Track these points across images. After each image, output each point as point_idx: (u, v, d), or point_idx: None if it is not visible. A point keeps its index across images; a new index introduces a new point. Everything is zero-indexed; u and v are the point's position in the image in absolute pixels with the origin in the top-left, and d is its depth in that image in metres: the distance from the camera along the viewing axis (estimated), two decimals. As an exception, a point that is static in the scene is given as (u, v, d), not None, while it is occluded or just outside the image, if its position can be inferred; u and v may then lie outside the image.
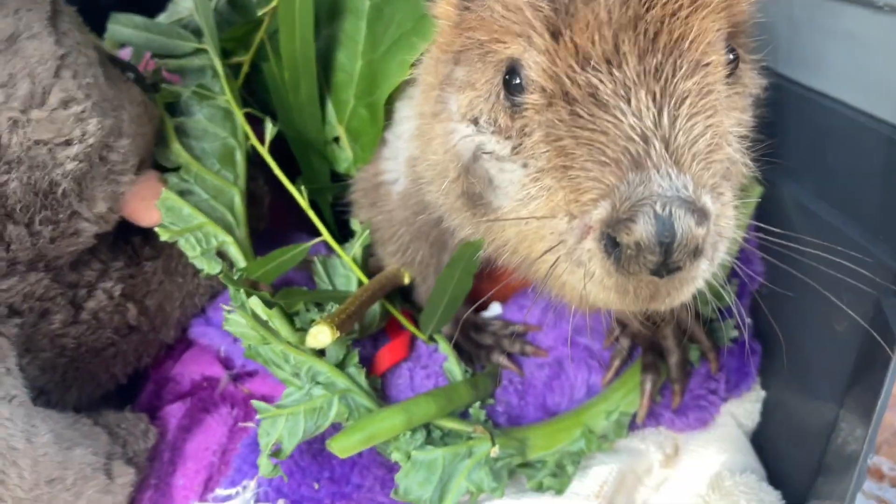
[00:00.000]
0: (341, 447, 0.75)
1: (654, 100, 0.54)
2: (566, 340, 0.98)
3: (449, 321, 0.94)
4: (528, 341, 0.98)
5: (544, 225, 0.57)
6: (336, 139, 0.98)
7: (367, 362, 0.90)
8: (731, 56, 0.61)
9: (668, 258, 0.50)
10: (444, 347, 0.94)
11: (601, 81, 0.55)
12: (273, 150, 0.95)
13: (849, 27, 0.81)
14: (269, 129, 0.94)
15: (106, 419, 0.86)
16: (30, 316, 0.79)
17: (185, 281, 0.94)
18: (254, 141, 0.96)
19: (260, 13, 0.93)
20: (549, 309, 1.01)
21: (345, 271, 0.95)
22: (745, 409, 0.96)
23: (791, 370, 0.93)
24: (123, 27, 1.06)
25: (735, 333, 0.94)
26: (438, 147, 0.68)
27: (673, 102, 0.54)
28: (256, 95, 1.07)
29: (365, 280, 0.94)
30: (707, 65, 0.57)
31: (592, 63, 0.55)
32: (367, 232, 0.95)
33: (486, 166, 0.63)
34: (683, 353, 0.92)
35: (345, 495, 0.82)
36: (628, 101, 0.54)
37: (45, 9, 0.75)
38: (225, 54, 1.02)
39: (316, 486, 0.82)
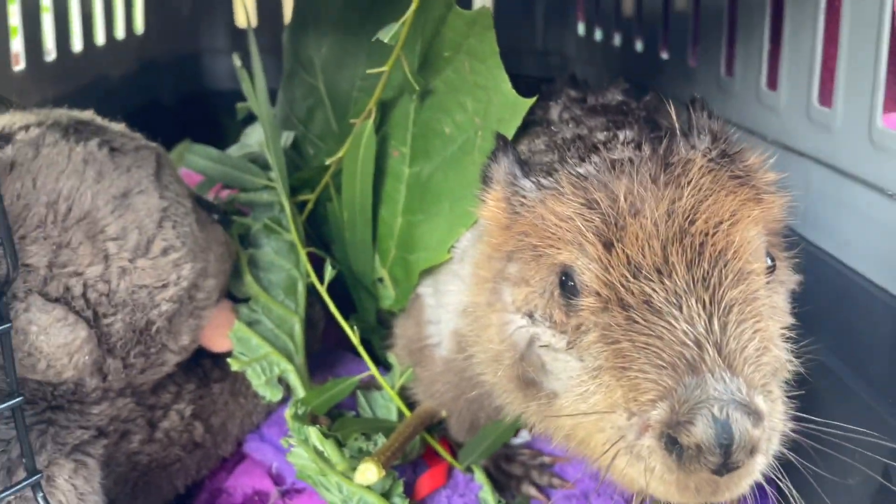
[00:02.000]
0: None
1: (703, 307, 0.59)
2: (592, 473, 1.04)
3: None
4: (555, 473, 1.04)
5: (603, 419, 0.61)
6: (380, 279, 1.07)
7: (407, 487, 0.97)
8: (770, 261, 0.68)
9: (727, 459, 0.54)
10: (480, 477, 1.00)
11: (654, 290, 0.60)
12: (329, 286, 1.04)
13: (862, 206, 0.89)
14: (329, 271, 1.03)
15: (165, 531, 0.93)
16: (113, 436, 0.87)
17: (247, 401, 1.02)
18: (314, 280, 1.05)
19: (328, 161, 1.03)
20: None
21: (384, 402, 1.03)
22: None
23: None
24: (200, 158, 1.17)
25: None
26: (494, 335, 0.73)
27: (721, 310, 0.59)
28: (318, 230, 1.17)
29: (406, 411, 1.02)
30: (750, 272, 0.63)
31: (644, 273, 0.61)
32: (409, 371, 1.03)
33: (540, 354, 0.68)
34: None
35: None
36: (680, 309, 0.59)
37: (152, 165, 0.85)
38: (292, 192, 1.12)
39: None
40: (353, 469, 0.89)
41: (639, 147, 0.71)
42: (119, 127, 0.88)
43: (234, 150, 1.24)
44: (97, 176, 0.78)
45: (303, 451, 0.83)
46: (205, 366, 1.00)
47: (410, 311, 1.02)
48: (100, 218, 0.77)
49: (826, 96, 0.95)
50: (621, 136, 0.81)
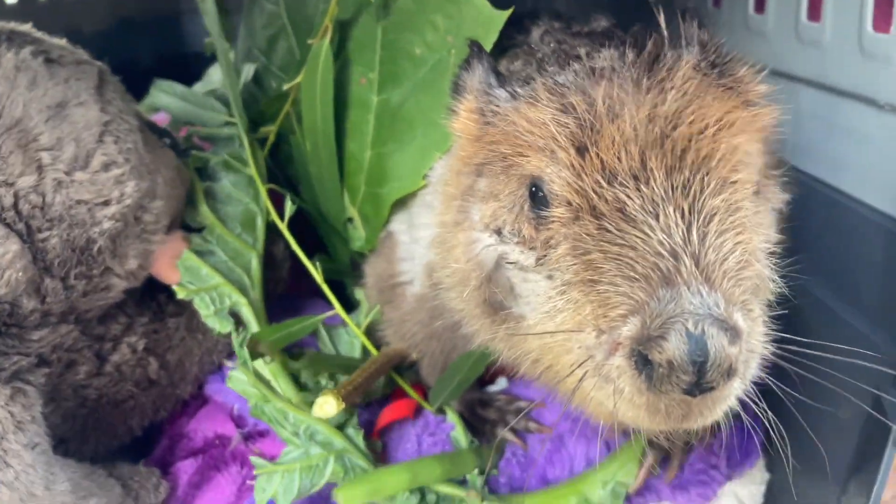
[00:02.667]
0: (347, 495, 0.77)
1: (682, 216, 0.55)
2: (568, 416, 1.00)
3: (458, 397, 0.96)
4: (532, 418, 1.00)
5: (571, 338, 0.57)
6: (350, 219, 1.02)
7: (367, 427, 0.93)
8: (756, 173, 0.63)
9: (700, 378, 0.50)
10: (452, 417, 0.96)
11: (628, 197, 0.56)
12: (298, 224, 1.00)
13: (854, 124, 0.85)
14: (289, 206, 0.98)
15: (120, 471, 0.89)
16: (57, 366, 0.83)
17: (206, 338, 0.98)
18: (274, 216, 1.00)
19: (286, 86, 0.98)
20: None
21: (349, 338, 0.98)
22: (749, 490, 0.96)
23: (796, 454, 0.94)
24: (164, 94, 1.13)
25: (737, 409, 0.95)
26: (460, 255, 0.68)
27: (702, 219, 0.55)
28: (283, 169, 1.12)
29: (372, 348, 0.97)
30: (734, 182, 0.58)
31: (619, 179, 0.56)
32: (377, 308, 0.98)
33: (508, 275, 0.64)
34: (688, 434, 0.93)
35: (347, 558, 0.83)
36: (656, 217, 0.55)
37: (93, 79, 0.80)
38: (253, 126, 1.08)
39: (318, 546, 0.83)
40: (310, 403, 0.85)
41: (622, 56, 0.65)
42: (60, 41, 0.83)
43: (198, 87, 1.19)
44: (30, 84, 0.73)
45: (242, 374, 0.79)
46: (159, 299, 0.96)
47: (381, 249, 0.98)
48: (32, 127, 0.72)
49: (815, 10, 0.90)
50: (604, 51, 0.77)
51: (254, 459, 0.78)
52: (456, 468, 0.88)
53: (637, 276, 0.53)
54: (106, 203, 0.77)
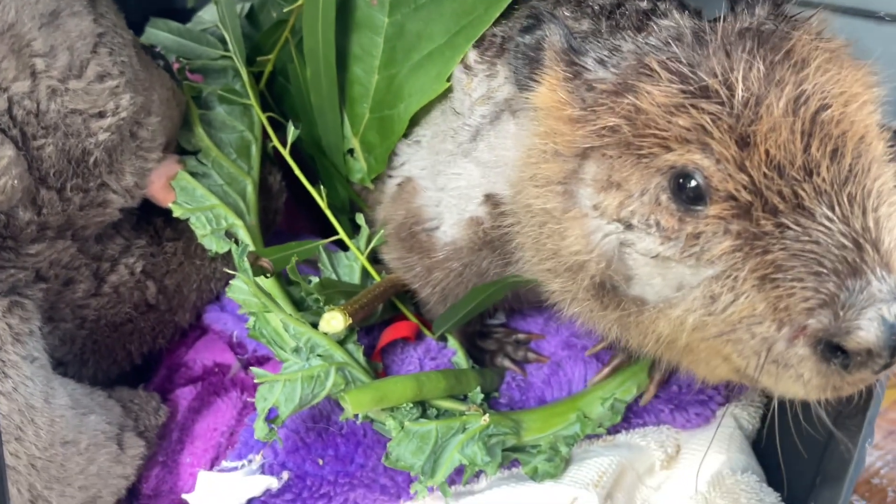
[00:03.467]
0: (354, 400, 0.77)
1: (856, 203, 0.54)
2: (565, 345, 1.00)
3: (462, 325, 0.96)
4: (530, 349, 1.01)
5: (738, 329, 0.57)
6: (351, 151, 1.01)
7: (368, 351, 0.93)
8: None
9: (893, 358, 0.51)
10: (454, 343, 0.96)
11: (804, 191, 0.54)
12: (294, 158, 0.99)
13: (852, 38, 0.84)
14: (291, 132, 0.97)
15: (120, 394, 0.89)
16: (55, 283, 0.82)
17: (204, 265, 0.97)
18: (275, 141, 0.99)
19: (286, 10, 0.97)
20: (551, 318, 1.04)
21: (349, 262, 0.98)
22: (747, 412, 0.97)
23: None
24: (160, 31, 1.11)
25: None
26: (576, 245, 0.65)
27: (871, 203, 0.55)
28: (279, 105, 1.11)
29: (374, 273, 0.97)
30: (883, 158, 0.58)
31: (790, 172, 0.55)
32: (381, 233, 0.97)
33: (629, 262, 0.62)
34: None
35: (348, 473, 0.83)
36: (832, 209, 0.54)
37: (86, -9, 0.79)
38: (249, 62, 1.06)
39: (320, 462, 0.83)
40: (311, 323, 0.85)
41: (698, 15, 0.64)
42: (52, -44, 0.82)
43: (190, 27, 1.18)
44: (22, -10, 0.72)
45: (242, 283, 0.78)
46: (156, 224, 0.96)
47: (400, 195, 0.95)
48: (25, 32, 0.72)
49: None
50: (662, 5, 0.73)
51: (255, 370, 0.78)
52: (459, 384, 0.88)
53: (825, 271, 0.53)
54: (101, 114, 0.76)
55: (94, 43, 0.76)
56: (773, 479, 0.93)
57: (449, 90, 0.87)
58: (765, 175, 0.55)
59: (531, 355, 0.99)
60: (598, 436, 0.90)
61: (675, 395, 0.94)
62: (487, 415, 0.81)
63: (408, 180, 0.93)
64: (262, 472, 0.82)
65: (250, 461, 0.83)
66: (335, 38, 0.94)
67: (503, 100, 0.80)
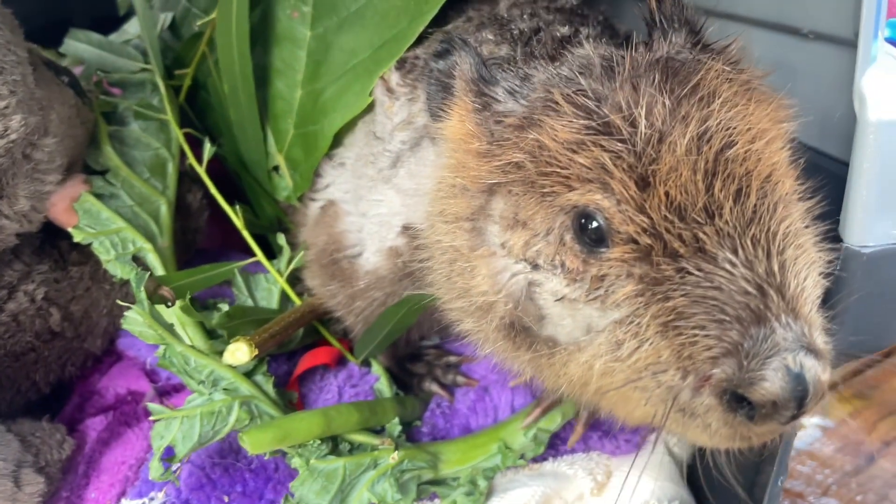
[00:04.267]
0: (253, 441, 0.73)
1: (759, 247, 0.52)
2: (496, 369, 0.97)
3: (384, 350, 0.93)
4: (460, 372, 0.98)
5: (644, 377, 0.54)
6: (276, 168, 0.98)
7: (286, 377, 0.89)
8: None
9: (799, 410, 0.49)
10: (377, 369, 0.93)
11: (706, 234, 0.52)
12: (216, 181, 0.95)
13: (777, 55, 0.82)
14: (207, 149, 0.94)
15: (20, 427, 0.84)
16: (-56, 313, 0.78)
17: (114, 289, 0.93)
18: (191, 159, 0.96)
19: (200, 23, 0.93)
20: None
21: (267, 285, 0.95)
22: (679, 439, 0.94)
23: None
24: (78, 42, 1.08)
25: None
26: (484, 285, 0.62)
27: (776, 246, 0.53)
28: (201, 120, 1.07)
29: (294, 297, 0.94)
30: (790, 196, 0.56)
31: (691, 215, 0.53)
32: (301, 255, 0.94)
33: (539, 302, 0.59)
34: None
35: (257, 510, 0.80)
36: (735, 252, 0.52)
37: (-24, 8, 0.75)
38: (169, 75, 1.03)
39: (226, 499, 0.80)
40: (220, 352, 0.81)
41: (626, 41, 0.61)
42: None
43: (114, 38, 1.14)
44: None
45: (137, 314, 0.74)
46: (61, 247, 0.91)
47: (322, 219, 0.92)
48: None
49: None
50: (584, 31, 0.71)
51: (150, 406, 0.74)
52: (375, 417, 0.85)
53: (727, 318, 0.50)
54: (-12, 137, 0.72)
55: (-20, 61, 0.72)
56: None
57: (372, 112, 0.85)
58: (665, 218, 0.53)
59: (461, 379, 0.97)
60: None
61: (604, 421, 0.92)
62: (397, 452, 0.78)
63: (331, 203, 0.90)
64: (165, 511, 0.79)
65: (152, 499, 0.79)
66: (257, 52, 0.91)
67: (423, 125, 0.77)
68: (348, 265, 0.87)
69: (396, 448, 0.79)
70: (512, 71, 0.64)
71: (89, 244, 0.87)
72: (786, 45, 0.80)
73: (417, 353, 1.01)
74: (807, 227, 0.57)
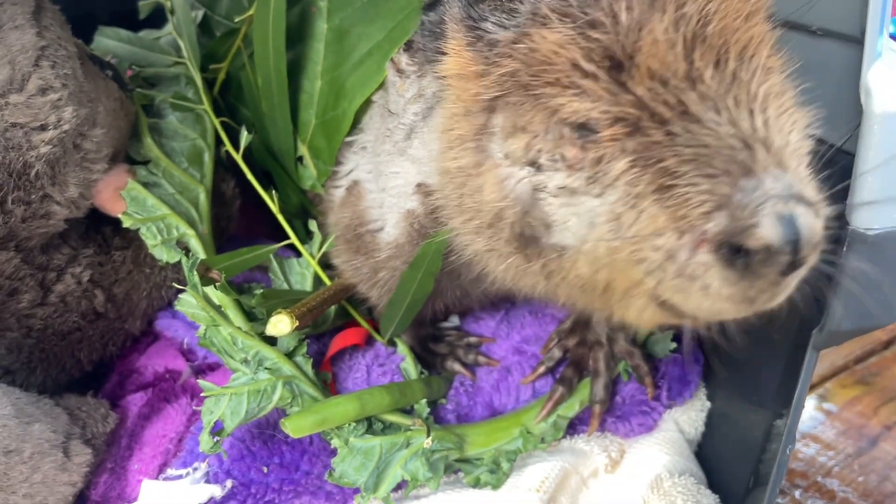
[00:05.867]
0: (295, 426, 0.77)
1: (742, 106, 0.55)
2: (516, 350, 1.02)
3: (409, 326, 0.97)
4: (481, 352, 1.02)
5: (643, 247, 0.56)
6: (300, 158, 1.02)
7: (318, 358, 0.94)
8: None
9: (796, 256, 0.51)
10: (402, 349, 0.97)
11: (689, 98, 0.55)
12: (248, 166, 1.00)
13: (789, 51, 0.85)
14: (245, 137, 0.98)
15: (67, 401, 0.89)
16: (-1, 294, 0.83)
17: (153, 273, 0.98)
18: (228, 147, 1.00)
19: (237, 19, 0.97)
20: (503, 321, 1.06)
21: (301, 269, 0.99)
22: (688, 416, 0.99)
23: (735, 382, 0.96)
24: (109, 39, 1.12)
25: (674, 345, 0.97)
26: (490, 195, 0.66)
27: (758, 106, 0.55)
28: (232, 114, 1.12)
29: (325, 278, 0.98)
30: (772, 65, 0.58)
31: (673, 83, 0.55)
32: (332, 239, 0.98)
33: (544, 207, 0.62)
34: (611, 375, 0.96)
35: (293, 481, 0.85)
36: (718, 112, 0.54)
37: (30, 4, 0.79)
38: (201, 70, 1.07)
39: (265, 470, 0.84)
40: (260, 333, 0.85)
41: None
42: (-4, -33, 0.82)
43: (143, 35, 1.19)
44: (-38, 5, 0.73)
45: (191, 297, 0.79)
46: (105, 233, 0.96)
47: (347, 199, 0.96)
48: (-35, 47, 0.72)
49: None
50: None
51: (202, 383, 0.78)
52: (404, 398, 0.89)
53: (717, 172, 0.53)
54: (43, 128, 0.76)
55: (36, 56, 0.77)
56: (715, 482, 0.95)
57: (386, 91, 0.89)
58: (649, 89, 0.56)
59: (482, 359, 1.01)
60: (541, 440, 0.93)
61: (618, 406, 0.97)
62: (430, 436, 0.83)
63: (354, 184, 0.95)
64: (207, 481, 0.83)
65: (195, 469, 0.84)
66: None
67: (432, 94, 0.81)
68: (371, 239, 0.91)
69: (429, 432, 0.83)
70: (498, 9, 0.66)
71: (132, 230, 0.92)
72: (797, 42, 0.83)
73: (438, 334, 1.06)
74: (786, 90, 0.59)
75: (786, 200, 0.51)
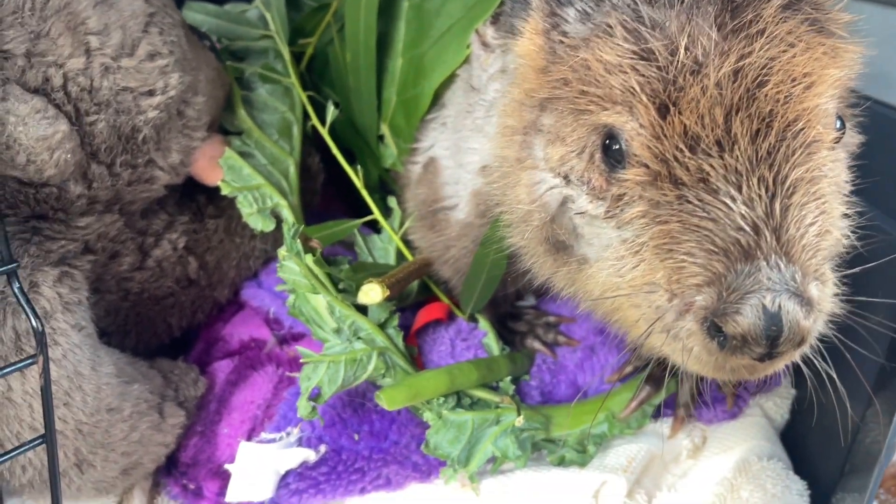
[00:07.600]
0: (389, 398, 0.78)
1: (766, 188, 0.53)
2: (597, 330, 1.01)
3: (488, 301, 0.97)
4: (560, 331, 1.02)
5: (640, 296, 0.57)
6: (381, 137, 1.03)
7: (403, 332, 0.94)
8: (839, 124, 0.59)
9: (772, 349, 0.51)
10: (484, 324, 0.97)
11: (711, 167, 0.54)
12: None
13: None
14: (331, 111, 0.99)
15: (160, 364, 0.91)
16: (101, 255, 0.84)
17: (243, 242, 1.00)
18: (314, 120, 1.01)
19: (329, -4, 0.98)
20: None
21: (383, 244, 1.00)
22: (773, 402, 0.98)
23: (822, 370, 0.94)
24: (196, 13, 1.13)
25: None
26: (523, 194, 0.66)
27: (785, 190, 0.53)
28: (318, 89, 1.12)
29: (407, 253, 0.99)
30: (818, 143, 0.55)
31: (702, 146, 0.54)
32: (413, 215, 0.99)
33: (572, 218, 0.62)
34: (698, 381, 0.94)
35: (382, 449, 0.85)
36: (739, 189, 0.53)
37: (138, -28, 0.81)
38: (290, 43, 1.08)
39: (356, 437, 0.85)
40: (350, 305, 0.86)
41: None
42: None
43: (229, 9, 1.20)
44: (78, -30, 0.74)
45: (294, 263, 0.80)
46: (199, 201, 0.98)
47: (424, 176, 0.96)
48: (80, 10, 0.73)
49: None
50: None
51: (301, 349, 0.80)
52: (491, 373, 0.90)
53: (716, 250, 0.52)
54: (151, 92, 0.78)
55: (145, 22, 0.78)
56: (800, 469, 0.94)
57: (469, 66, 0.88)
58: (678, 148, 0.55)
59: (561, 338, 1.01)
60: (625, 423, 0.92)
61: (703, 393, 0.95)
62: (521, 416, 0.83)
63: (432, 161, 0.95)
64: (300, 445, 0.85)
65: (289, 434, 0.85)
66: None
67: (514, 70, 0.80)
68: (444, 216, 0.92)
69: (519, 411, 0.83)
70: None
71: (224, 199, 0.93)
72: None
73: (517, 312, 1.05)
74: (833, 178, 0.57)
75: (777, 294, 0.50)
